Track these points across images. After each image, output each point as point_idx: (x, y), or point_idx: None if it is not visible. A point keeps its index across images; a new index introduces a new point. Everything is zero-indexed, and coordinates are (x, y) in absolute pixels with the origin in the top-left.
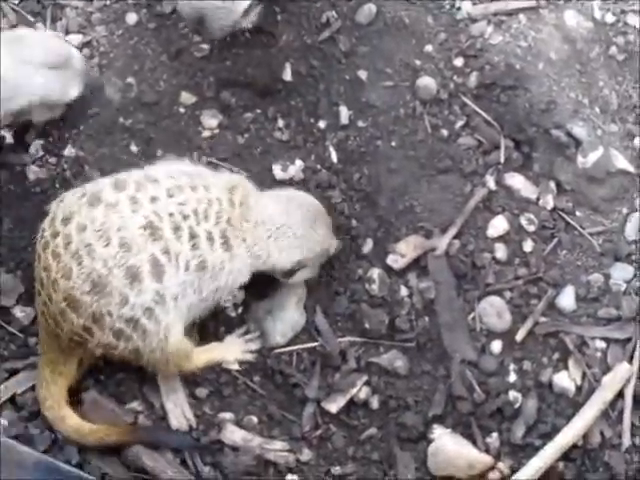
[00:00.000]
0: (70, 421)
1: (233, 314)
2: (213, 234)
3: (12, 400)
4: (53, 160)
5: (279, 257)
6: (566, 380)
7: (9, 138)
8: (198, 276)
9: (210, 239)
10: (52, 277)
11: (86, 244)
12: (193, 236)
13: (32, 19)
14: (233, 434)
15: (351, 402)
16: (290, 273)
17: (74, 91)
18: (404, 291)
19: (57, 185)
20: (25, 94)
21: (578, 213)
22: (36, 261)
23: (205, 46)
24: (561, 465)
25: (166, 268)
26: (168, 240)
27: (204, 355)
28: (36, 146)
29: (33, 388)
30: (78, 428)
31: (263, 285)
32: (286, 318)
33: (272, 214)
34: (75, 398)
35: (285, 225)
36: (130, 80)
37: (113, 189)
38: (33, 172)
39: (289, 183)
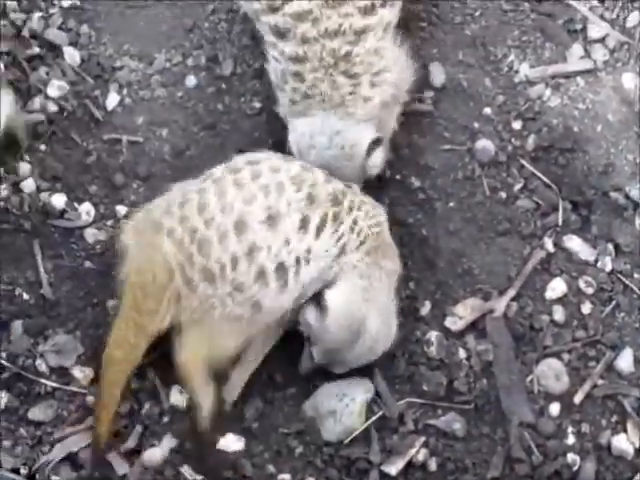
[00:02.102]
0: None
1: None
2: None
3: (72, 459)
4: (110, 222)
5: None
6: (625, 442)
7: (60, 203)
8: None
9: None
10: (228, 200)
11: (278, 182)
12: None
13: (92, 81)
14: None
15: (409, 464)
16: None
17: None
18: (462, 353)
19: (116, 246)
20: None
21: (636, 275)
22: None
23: (257, 104)
24: None
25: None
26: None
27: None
28: (86, 209)
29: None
30: None
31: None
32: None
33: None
34: None
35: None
36: (188, 143)
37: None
38: (92, 234)
39: None
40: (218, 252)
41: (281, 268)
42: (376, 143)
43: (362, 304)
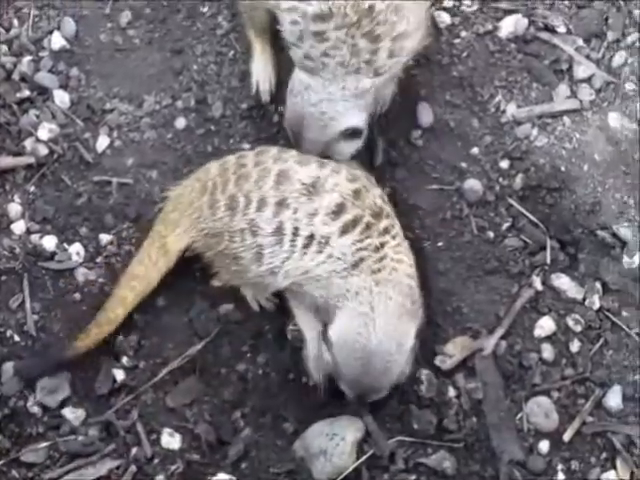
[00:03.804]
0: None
1: None
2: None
3: None
4: (100, 260)
5: None
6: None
7: (50, 245)
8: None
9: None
10: (285, 156)
11: (336, 167)
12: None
13: (82, 124)
14: None
15: None
16: None
17: None
18: (452, 392)
19: (106, 288)
20: None
21: (624, 313)
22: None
23: (246, 146)
24: None
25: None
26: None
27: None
28: (76, 249)
29: None
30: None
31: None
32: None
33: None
34: None
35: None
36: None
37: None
38: (82, 274)
39: None
40: (251, 187)
41: (296, 233)
42: (355, 134)
43: (362, 329)
